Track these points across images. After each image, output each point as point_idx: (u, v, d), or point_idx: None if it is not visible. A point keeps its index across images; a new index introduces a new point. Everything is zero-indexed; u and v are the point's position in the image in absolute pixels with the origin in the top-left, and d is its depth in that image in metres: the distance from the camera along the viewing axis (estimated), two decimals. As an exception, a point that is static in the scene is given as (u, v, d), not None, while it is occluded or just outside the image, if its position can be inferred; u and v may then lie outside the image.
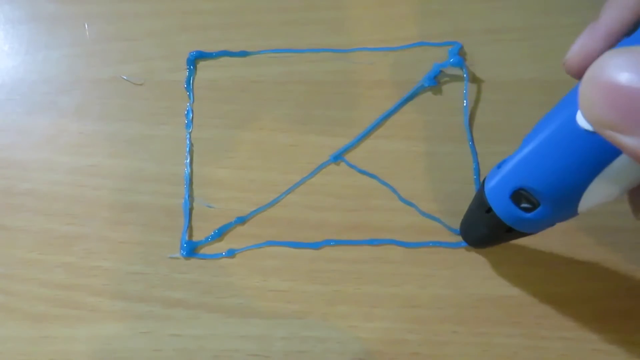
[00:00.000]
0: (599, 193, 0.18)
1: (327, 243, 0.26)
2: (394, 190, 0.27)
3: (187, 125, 0.28)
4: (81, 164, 0.27)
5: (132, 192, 0.27)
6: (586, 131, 0.16)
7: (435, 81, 0.29)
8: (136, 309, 0.25)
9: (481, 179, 0.27)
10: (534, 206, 0.19)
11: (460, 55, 0.29)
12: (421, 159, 0.27)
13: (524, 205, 0.20)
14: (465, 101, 0.28)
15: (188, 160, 0.27)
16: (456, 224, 0.26)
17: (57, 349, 0.24)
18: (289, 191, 0.27)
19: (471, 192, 0.27)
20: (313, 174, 0.27)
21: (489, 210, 0.21)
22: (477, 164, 0.27)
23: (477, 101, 0.29)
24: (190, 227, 0.26)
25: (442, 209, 0.26)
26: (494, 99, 0.28)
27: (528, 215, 0.20)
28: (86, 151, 0.28)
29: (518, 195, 0.20)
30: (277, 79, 0.29)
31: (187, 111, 0.28)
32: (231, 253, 0.26)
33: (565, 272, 0.25)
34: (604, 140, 0.14)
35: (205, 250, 0.26)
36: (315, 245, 0.26)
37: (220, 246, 0.26)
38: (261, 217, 0.27)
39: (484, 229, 0.22)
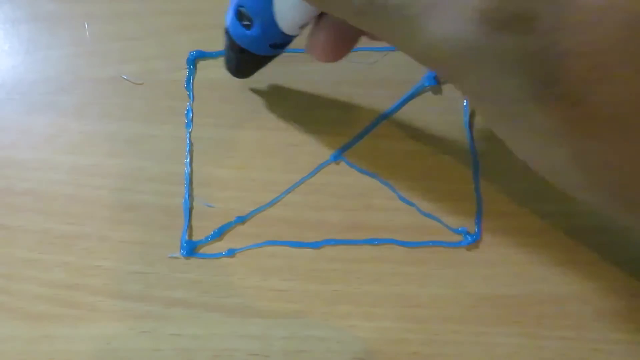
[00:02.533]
0: (284, 8, 0.20)
1: (327, 243, 0.26)
2: (394, 190, 0.27)
3: (187, 125, 0.28)
4: (81, 163, 0.27)
5: (132, 192, 0.27)
6: None
7: (436, 81, 0.29)
8: (136, 308, 0.25)
9: (481, 179, 0.27)
10: (251, 23, 0.22)
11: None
12: (421, 159, 0.27)
13: (245, 22, 0.22)
14: (465, 100, 0.28)
15: (188, 160, 0.27)
16: (456, 223, 0.26)
17: (56, 348, 0.24)
18: (289, 191, 0.27)
19: (471, 191, 0.27)
20: (313, 173, 0.27)
21: (227, 32, 0.23)
22: (477, 163, 0.27)
23: (477, 101, 0.29)
24: (190, 227, 0.26)
25: (442, 209, 0.26)
26: (494, 99, 0.28)
27: (248, 32, 0.22)
28: (86, 151, 0.28)
29: (240, 14, 0.22)
30: (277, 78, 0.29)
31: (187, 111, 0.28)
32: (231, 252, 0.26)
33: (565, 272, 0.25)
34: None
35: (205, 249, 0.26)
36: (315, 245, 0.26)
37: (220, 246, 0.26)
38: (261, 217, 0.27)
39: (229, 51, 0.25)
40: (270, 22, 0.21)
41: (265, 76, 0.29)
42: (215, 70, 0.29)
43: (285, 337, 0.25)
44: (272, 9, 0.20)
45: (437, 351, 0.24)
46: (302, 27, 0.21)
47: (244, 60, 0.25)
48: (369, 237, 0.26)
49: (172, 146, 0.28)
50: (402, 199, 0.27)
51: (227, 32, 0.24)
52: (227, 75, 0.29)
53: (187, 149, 0.28)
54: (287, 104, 0.28)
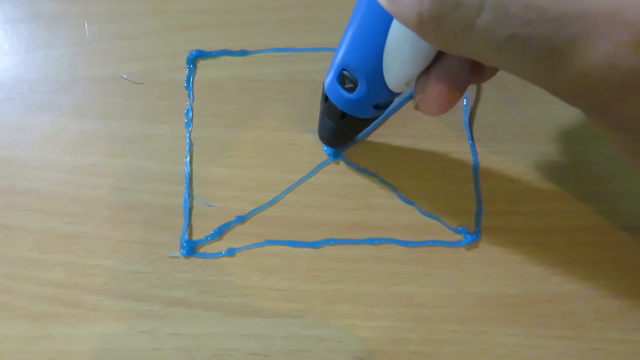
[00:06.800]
0: (394, 63, 0.19)
1: (327, 242, 0.26)
2: (394, 189, 0.27)
3: (187, 124, 0.28)
4: (81, 162, 0.27)
5: (132, 191, 0.27)
6: None
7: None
8: (136, 308, 0.25)
9: (481, 178, 0.27)
10: (355, 85, 0.21)
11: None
12: (421, 158, 0.27)
13: (347, 85, 0.22)
14: (465, 100, 0.28)
15: (188, 159, 0.27)
16: (456, 223, 0.26)
17: (56, 347, 0.24)
18: (288, 190, 0.27)
19: (471, 191, 0.27)
20: (313, 172, 0.27)
21: (326, 99, 0.23)
22: (477, 163, 0.27)
23: (477, 100, 0.29)
24: (190, 226, 0.26)
25: (442, 208, 0.26)
26: (494, 98, 0.28)
27: (351, 95, 0.22)
28: (86, 150, 0.28)
29: (342, 77, 0.22)
30: (277, 77, 0.29)
31: (187, 110, 0.28)
32: (231, 252, 0.26)
33: (565, 271, 0.25)
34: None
35: (205, 249, 0.26)
36: (315, 244, 0.26)
37: (220, 245, 0.26)
38: (261, 216, 0.27)
39: (325, 118, 0.24)
40: (377, 81, 0.20)
41: (266, 75, 0.29)
42: (215, 70, 0.29)
43: (285, 336, 0.24)
44: (381, 67, 0.20)
45: (436, 350, 0.24)
46: (409, 83, 0.20)
47: (343, 125, 0.24)
48: (369, 236, 0.26)
49: (172, 146, 0.28)
50: (402, 198, 0.27)
51: (325, 98, 0.23)
52: (227, 74, 0.29)
53: (187, 148, 0.28)
54: (287, 103, 0.28)
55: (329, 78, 0.22)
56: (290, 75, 0.29)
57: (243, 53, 0.29)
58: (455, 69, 0.19)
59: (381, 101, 0.22)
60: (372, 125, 0.28)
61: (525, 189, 0.27)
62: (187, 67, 0.29)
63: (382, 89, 0.21)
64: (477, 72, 0.20)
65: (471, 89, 0.29)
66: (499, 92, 0.28)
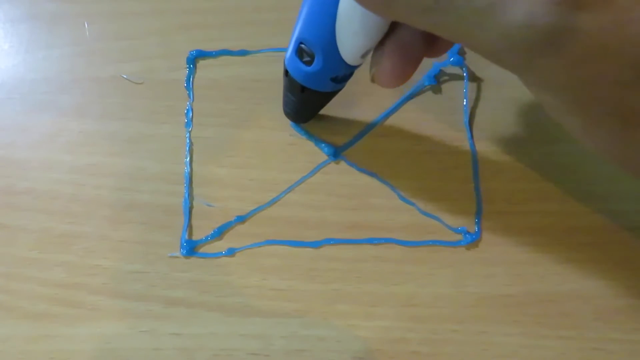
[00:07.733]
0: (346, 35, 0.20)
1: (327, 242, 0.26)
2: (394, 189, 0.27)
3: (187, 124, 0.28)
4: (81, 162, 0.27)
5: (132, 191, 0.27)
6: None
7: (435, 80, 0.29)
8: (136, 307, 0.25)
9: (481, 178, 0.27)
10: (312, 59, 0.21)
11: (460, 54, 0.29)
12: (421, 158, 0.27)
13: (305, 59, 0.22)
14: (465, 100, 0.28)
15: (188, 159, 0.27)
16: (456, 223, 0.26)
17: (56, 347, 0.24)
18: (288, 190, 0.27)
19: (471, 190, 0.27)
20: (313, 172, 0.27)
21: (287, 73, 0.23)
22: (477, 162, 0.27)
23: (477, 100, 0.29)
24: (190, 226, 0.26)
25: (442, 208, 0.26)
26: (494, 98, 0.28)
27: (309, 68, 0.22)
28: (86, 150, 0.28)
29: (300, 51, 0.22)
30: (277, 77, 0.29)
31: (187, 110, 0.28)
32: (231, 252, 0.26)
33: (565, 272, 0.25)
34: None
35: (205, 249, 0.26)
36: (315, 244, 0.26)
37: (220, 245, 0.26)
38: (261, 216, 0.27)
39: (287, 93, 0.25)
40: (332, 54, 0.21)
41: (265, 75, 0.29)
42: (215, 70, 0.29)
43: (285, 336, 0.25)
44: (334, 39, 0.20)
45: (436, 350, 0.24)
46: (364, 55, 0.21)
47: (304, 100, 0.24)
48: (369, 236, 0.26)
49: (172, 146, 0.28)
50: (402, 198, 0.27)
51: (285, 72, 0.23)
52: (227, 74, 0.29)
53: (187, 148, 0.28)
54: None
55: (289, 52, 0.22)
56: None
57: (243, 53, 0.29)
58: (409, 42, 0.20)
59: (339, 74, 0.22)
60: (371, 124, 0.28)
61: (525, 189, 0.27)
62: (187, 67, 0.29)
63: (338, 62, 0.21)
64: (431, 45, 0.20)
65: (471, 89, 0.29)
66: (499, 92, 0.28)
